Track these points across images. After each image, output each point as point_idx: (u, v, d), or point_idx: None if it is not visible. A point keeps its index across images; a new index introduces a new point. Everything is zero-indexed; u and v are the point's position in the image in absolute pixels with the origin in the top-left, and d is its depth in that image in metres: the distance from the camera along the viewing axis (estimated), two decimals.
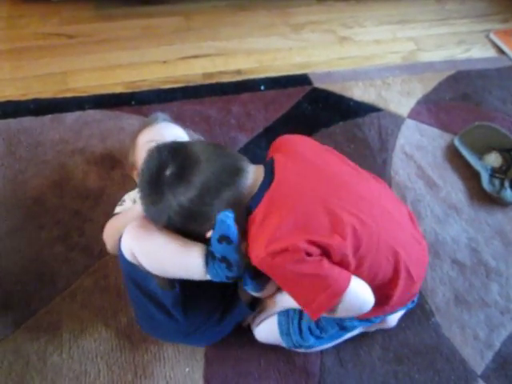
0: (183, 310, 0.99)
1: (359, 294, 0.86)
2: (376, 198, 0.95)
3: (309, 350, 1.08)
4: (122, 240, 0.93)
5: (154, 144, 1.17)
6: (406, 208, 1.06)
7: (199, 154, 0.88)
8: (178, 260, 0.90)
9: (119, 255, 0.96)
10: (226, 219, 0.84)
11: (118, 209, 1.14)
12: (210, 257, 0.88)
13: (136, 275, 0.97)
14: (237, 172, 0.89)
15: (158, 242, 0.91)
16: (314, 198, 0.87)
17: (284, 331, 1.04)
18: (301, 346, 1.05)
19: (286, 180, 0.89)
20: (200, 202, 0.85)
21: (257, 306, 1.05)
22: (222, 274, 0.88)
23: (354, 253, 0.85)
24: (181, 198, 0.85)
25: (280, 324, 1.04)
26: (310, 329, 1.02)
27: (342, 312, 0.87)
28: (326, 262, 0.83)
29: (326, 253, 0.83)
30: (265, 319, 1.06)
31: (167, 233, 0.92)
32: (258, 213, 0.86)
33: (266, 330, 1.06)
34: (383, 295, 0.92)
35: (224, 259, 0.86)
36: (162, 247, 0.90)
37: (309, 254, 0.82)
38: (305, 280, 0.84)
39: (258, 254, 0.83)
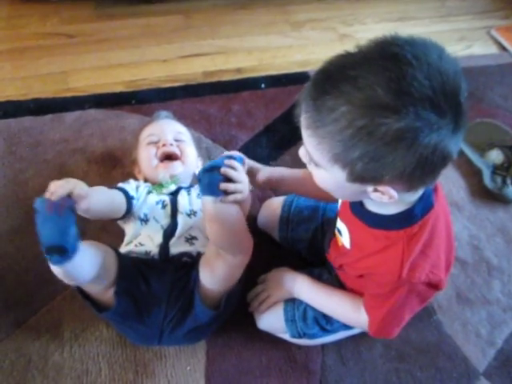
0: (136, 319, 0.96)
1: None
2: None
3: (311, 342, 1.08)
4: None
5: (154, 137, 1.19)
6: None
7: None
8: None
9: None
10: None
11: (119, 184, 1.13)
12: None
13: (84, 301, 0.97)
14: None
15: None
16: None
17: (289, 317, 1.03)
18: (304, 335, 1.04)
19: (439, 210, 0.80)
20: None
21: (220, 306, 0.96)
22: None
23: None
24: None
25: (286, 310, 1.04)
26: (315, 318, 1.02)
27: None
28: None
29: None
30: (271, 306, 1.06)
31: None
32: (423, 229, 0.77)
33: (271, 316, 1.06)
34: None
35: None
36: None
37: None
38: (402, 311, 0.86)
39: (418, 276, 0.77)
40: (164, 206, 1.10)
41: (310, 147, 0.68)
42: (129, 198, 1.07)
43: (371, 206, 0.80)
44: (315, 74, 0.66)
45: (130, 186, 1.13)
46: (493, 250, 1.29)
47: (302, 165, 1.39)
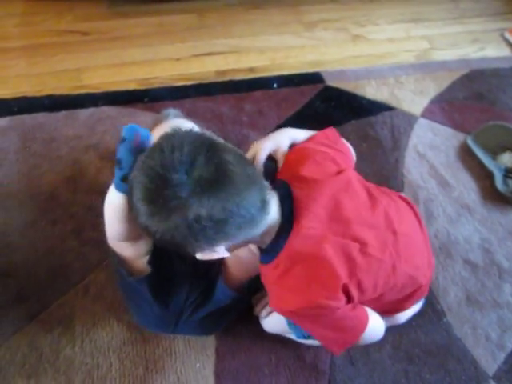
0: (163, 294, 0.99)
1: (376, 328, 0.94)
2: (390, 223, 0.91)
3: (318, 343, 1.07)
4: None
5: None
6: (418, 220, 1.02)
7: (234, 166, 0.72)
8: (106, 207, 0.93)
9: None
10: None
11: None
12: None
13: (114, 265, 1.00)
14: (264, 206, 0.75)
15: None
16: (334, 244, 0.83)
17: (291, 321, 1.03)
18: (309, 336, 1.04)
19: (306, 228, 0.82)
20: (220, 226, 0.71)
21: (243, 290, 1.04)
22: (116, 178, 0.86)
23: (373, 287, 0.86)
24: (202, 210, 0.68)
25: None
26: None
27: (359, 344, 0.93)
28: (348, 307, 0.84)
29: (347, 294, 0.84)
30: (272, 312, 1.06)
31: None
32: (280, 263, 0.82)
33: (274, 321, 1.06)
34: (394, 309, 0.99)
35: (118, 161, 0.84)
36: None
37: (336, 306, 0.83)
38: (328, 326, 0.87)
39: (285, 307, 0.85)
40: None
41: None
42: None
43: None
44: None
45: None
46: (504, 254, 1.29)
47: None
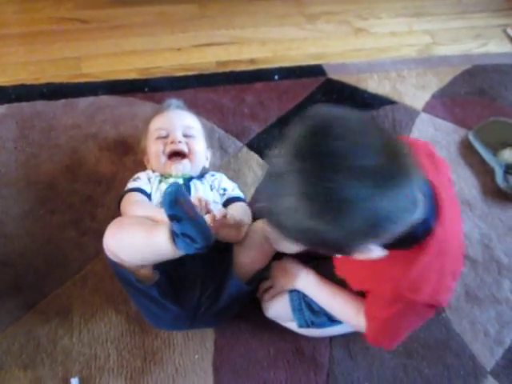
0: (175, 296, 0.99)
1: None
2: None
3: (319, 333, 1.08)
4: (103, 240, 0.96)
5: (163, 132, 1.18)
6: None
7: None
8: (149, 243, 0.90)
9: (105, 256, 0.99)
10: (167, 198, 0.82)
11: (130, 184, 1.13)
12: (174, 234, 0.86)
13: (122, 274, 0.98)
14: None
15: (128, 232, 0.92)
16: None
17: (296, 307, 1.03)
18: (312, 324, 1.04)
19: (447, 224, 0.79)
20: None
21: (254, 282, 1.06)
22: (190, 248, 0.86)
23: None
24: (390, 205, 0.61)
25: (292, 300, 1.04)
26: (322, 308, 1.02)
27: None
28: None
29: None
30: (276, 295, 1.06)
31: (135, 220, 0.94)
32: (423, 252, 0.78)
33: (277, 306, 1.06)
34: None
35: (184, 235, 0.84)
36: (132, 235, 0.92)
37: None
38: (398, 326, 0.89)
39: (417, 296, 0.80)
40: None
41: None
42: (148, 196, 1.10)
43: None
44: None
45: (143, 181, 1.13)
46: (503, 250, 1.29)
47: None
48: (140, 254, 0.93)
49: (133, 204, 1.06)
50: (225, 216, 0.93)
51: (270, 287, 1.08)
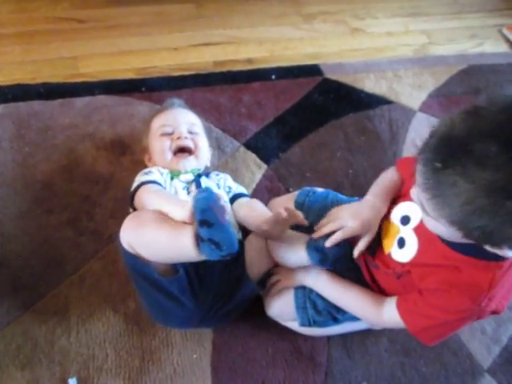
0: (192, 293, 0.97)
1: None
2: None
3: (319, 332, 1.08)
4: (120, 232, 0.93)
5: (168, 129, 1.18)
6: None
7: None
8: (172, 244, 0.88)
9: (120, 248, 0.96)
10: (200, 202, 0.82)
11: (143, 177, 1.08)
12: (199, 238, 0.85)
13: (139, 266, 0.96)
14: None
15: (150, 229, 0.90)
16: None
17: (300, 305, 1.03)
18: (314, 323, 1.03)
19: None
20: None
21: (266, 283, 1.07)
22: (215, 255, 0.85)
23: None
24: None
25: (296, 297, 1.03)
26: (326, 307, 1.02)
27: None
28: None
29: None
30: (281, 292, 1.06)
31: (158, 218, 0.91)
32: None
33: (281, 303, 1.06)
34: None
35: (211, 241, 0.83)
36: (155, 234, 0.90)
37: None
38: (452, 328, 0.89)
39: (489, 306, 0.79)
40: (189, 192, 1.08)
41: (426, 206, 0.68)
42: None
43: None
44: (438, 136, 0.64)
45: (156, 175, 1.10)
46: None
47: (312, 157, 1.40)
48: (161, 252, 0.92)
49: (153, 193, 1.02)
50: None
51: (277, 282, 1.07)
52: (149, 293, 1.00)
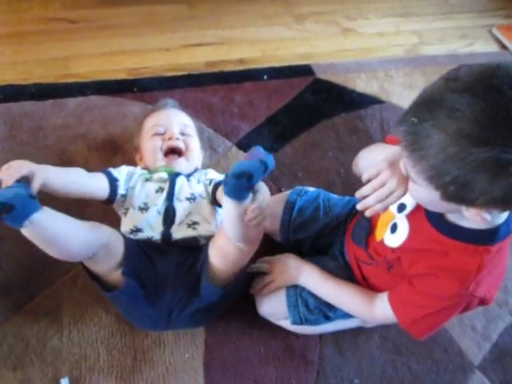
0: (144, 301, 0.97)
1: None
2: None
3: (311, 330, 1.08)
4: None
5: (160, 129, 1.18)
6: None
7: None
8: None
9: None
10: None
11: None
12: None
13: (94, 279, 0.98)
14: None
15: None
16: None
17: (292, 303, 1.04)
18: (306, 321, 1.04)
19: None
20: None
21: (228, 286, 0.97)
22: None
23: None
24: None
25: (288, 296, 1.04)
26: (318, 305, 1.03)
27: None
28: None
29: None
30: (274, 290, 1.06)
31: None
32: (500, 249, 0.80)
33: (273, 302, 1.06)
34: None
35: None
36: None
37: None
38: (442, 318, 0.89)
39: (477, 291, 0.81)
40: (162, 191, 1.08)
41: (408, 166, 0.71)
42: (112, 180, 1.07)
43: (452, 217, 0.81)
44: (417, 99, 0.68)
45: (119, 169, 1.12)
46: None
47: (304, 156, 1.40)
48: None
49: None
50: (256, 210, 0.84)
51: (270, 282, 1.07)
52: (114, 301, 1.04)
